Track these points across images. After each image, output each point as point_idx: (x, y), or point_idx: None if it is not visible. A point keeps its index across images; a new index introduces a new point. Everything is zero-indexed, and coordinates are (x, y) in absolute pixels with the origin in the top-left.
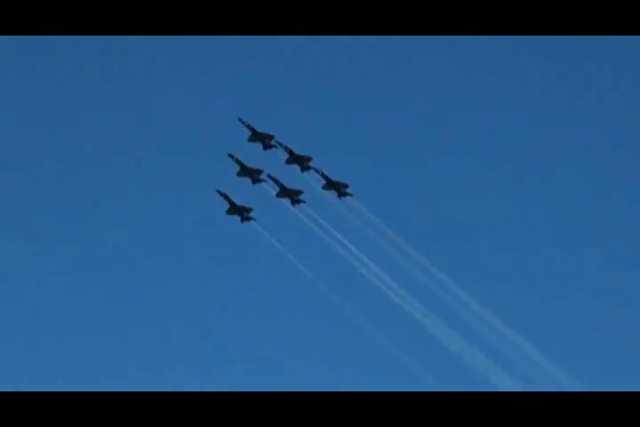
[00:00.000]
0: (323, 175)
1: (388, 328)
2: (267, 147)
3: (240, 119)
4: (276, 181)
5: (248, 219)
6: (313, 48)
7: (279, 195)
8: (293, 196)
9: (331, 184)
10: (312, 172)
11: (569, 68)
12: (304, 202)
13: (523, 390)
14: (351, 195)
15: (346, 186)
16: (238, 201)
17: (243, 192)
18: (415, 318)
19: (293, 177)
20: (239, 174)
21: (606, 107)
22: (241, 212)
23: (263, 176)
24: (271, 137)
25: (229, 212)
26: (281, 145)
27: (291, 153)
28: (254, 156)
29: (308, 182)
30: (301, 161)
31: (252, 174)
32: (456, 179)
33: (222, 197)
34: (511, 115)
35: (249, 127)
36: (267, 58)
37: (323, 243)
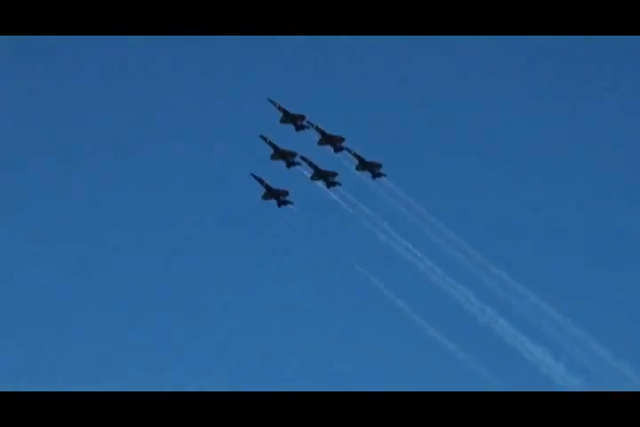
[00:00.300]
0: (355, 155)
1: (425, 311)
2: (299, 128)
3: (270, 100)
4: (310, 163)
5: (285, 203)
6: (313, 48)
7: (314, 177)
8: (328, 178)
9: (364, 165)
10: (345, 152)
11: (569, 68)
12: (339, 184)
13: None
14: (385, 175)
15: (379, 166)
16: (274, 185)
17: (278, 176)
18: (457, 299)
19: (327, 158)
20: (273, 157)
21: (606, 107)
22: (277, 196)
23: (297, 158)
24: (302, 117)
25: (265, 197)
26: (312, 125)
27: (323, 133)
28: (287, 137)
29: (342, 163)
30: (334, 141)
31: (287, 157)
32: (460, 178)
33: (257, 182)
34: (511, 115)
35: (280, 108)
36: (267, 58)
37: (360, 226)
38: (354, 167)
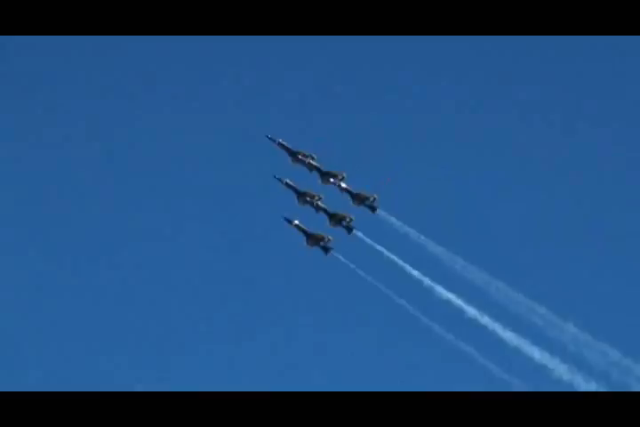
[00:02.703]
0: (345, 190)
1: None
2: (310, 168)
3: (269, 137)
4: (322, 209)
5: (328, 249)
6: (313, 48)
7: (331, 223)
8: (342, 221)
9: (359, 199)
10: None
11: (569, 68)
12: (354, 228)
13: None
14: (378, 207)
15: (374, 198)
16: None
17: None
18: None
19: (334, 198)
20: (299, 202)
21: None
22: (319, 242)
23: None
24: (310, 156)
25: (309, 243)
26: (309, 163)
27: (320, 171)
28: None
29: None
30: (334, 177)
31: (313, 200)
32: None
33: (296, 229)
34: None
35: (282, 146)
36: (267, 58)
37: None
38: (350, 203)
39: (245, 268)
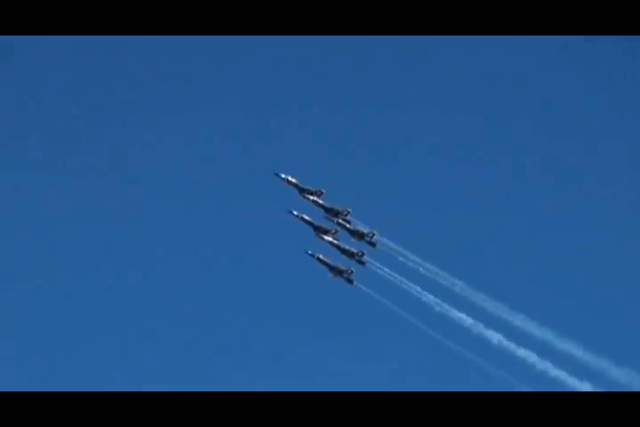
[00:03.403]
0: (345, 228)
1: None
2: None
3: (278, 175)
4: (333, 244)
5: (351, 280)
6: (313, 48)
7: (344, 256)
8: (354, 255)
9: (358, 235)
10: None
11: (570, 68)
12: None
13: None
14: (375, 244)
15: (370, 234)
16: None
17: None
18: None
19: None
20: (317, 235)
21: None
22: (341, 273)
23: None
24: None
25: (334, 273)
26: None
27: (325, 209)
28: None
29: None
30: (337, 214)
31: (329, 234)
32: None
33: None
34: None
35: (290, 183)
36: (267, 58)
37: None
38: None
39: (271, 298)
